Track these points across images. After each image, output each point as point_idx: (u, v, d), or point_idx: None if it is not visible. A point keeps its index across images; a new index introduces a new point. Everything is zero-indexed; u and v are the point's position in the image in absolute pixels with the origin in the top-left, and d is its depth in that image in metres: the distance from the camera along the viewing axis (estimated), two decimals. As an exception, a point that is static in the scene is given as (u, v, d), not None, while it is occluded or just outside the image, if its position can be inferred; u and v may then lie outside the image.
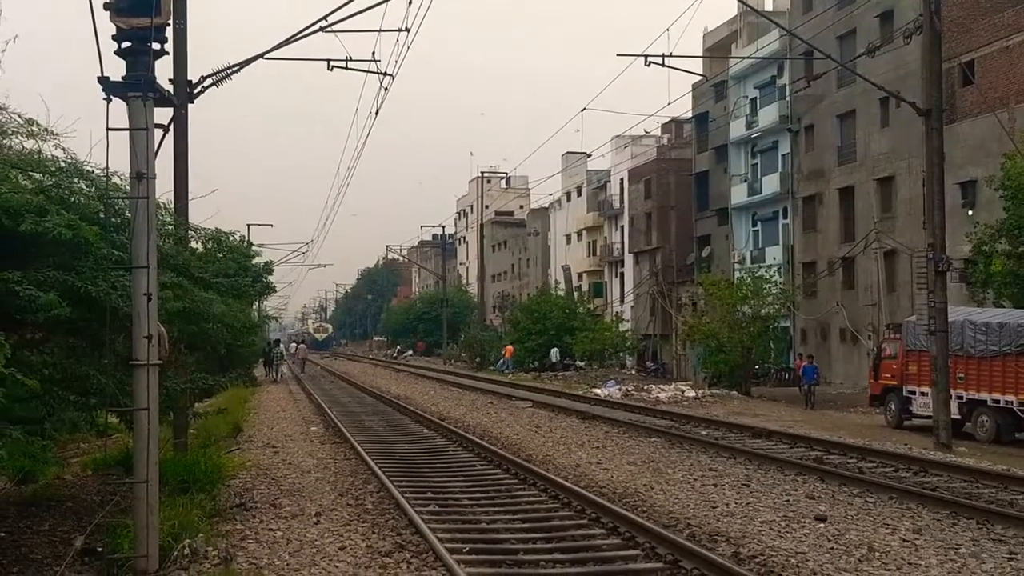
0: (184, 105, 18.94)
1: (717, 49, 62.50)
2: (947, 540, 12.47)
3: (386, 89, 25.84)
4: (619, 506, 14.35)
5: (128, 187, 10.06)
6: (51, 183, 11.59)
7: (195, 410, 22.08)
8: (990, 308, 30.52)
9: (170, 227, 15.12)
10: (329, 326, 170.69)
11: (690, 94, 62.99)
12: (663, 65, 28.23)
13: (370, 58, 22.91)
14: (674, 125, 75.57)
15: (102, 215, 11.56)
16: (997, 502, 15.26)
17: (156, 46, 9.31)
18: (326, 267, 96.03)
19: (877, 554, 11.61)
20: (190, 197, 19.23)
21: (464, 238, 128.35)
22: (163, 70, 16.75)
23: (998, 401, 26.40)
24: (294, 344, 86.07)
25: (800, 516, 13.96)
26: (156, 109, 9.61)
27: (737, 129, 60.61)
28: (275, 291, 40.15)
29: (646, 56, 27.93)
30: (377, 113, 28.54)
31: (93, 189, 11.91)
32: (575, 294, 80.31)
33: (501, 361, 67.00)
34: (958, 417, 26.74)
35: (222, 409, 27.22)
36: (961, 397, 27.16)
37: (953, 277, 30.74)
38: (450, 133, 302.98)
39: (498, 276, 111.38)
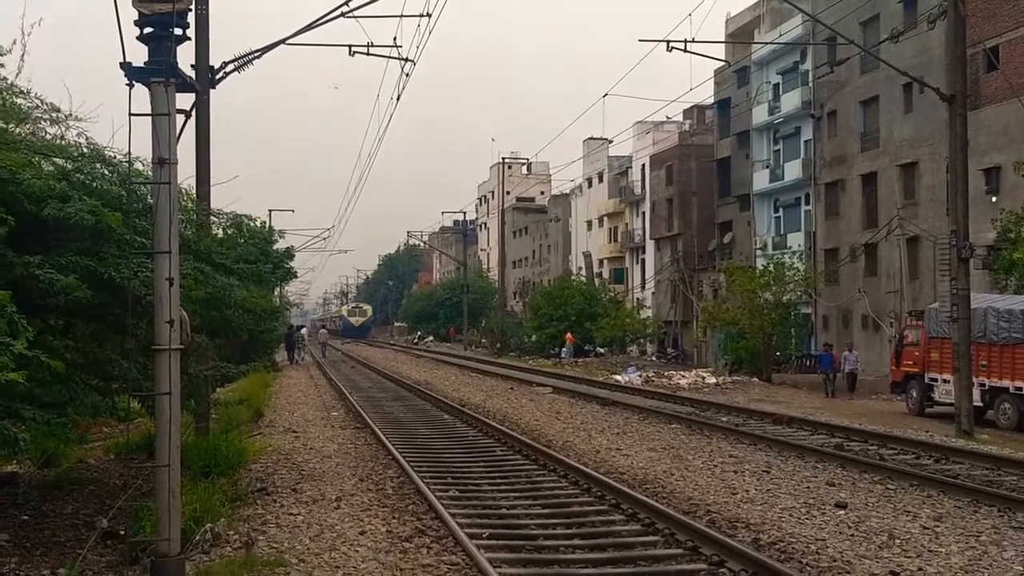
0: (206, 91, 18.97)
1: (739, 34, 62.09)
2: (968, 527, 12.43)
3: (408, 75, 25.88)
4: (639, 492, 14.36)
5: (150, 172, 10.09)
6: (73, 168, 11.65)
7: (216, 396, 22.17)
8: (1013, 295, 30.32)
9: (192, 214, 15.18)
10: (368, 307, 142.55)
11: (712, 80, 62.67)
12: (685, 51, 28.15)
13: (391, 44, 22.93)
14: (696, 111, 75.19)
15: (124, 201, 11.61)
16: (1019, 490, 15.18)
17: (178, 32, 9.30)
18: (347, 253, 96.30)
19: (897, 541, 11.59)
20: (212, 183, 19.31)
21: (485, 224, 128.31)
22: (185, 56, 16.81)
23: (1020, 389, 26.25)
24: (320, 330, 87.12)
25: (820, 503, 13.94)
26: (178, 95, 9.61)
27: (759, 115, 60.29)
28: (296, 276, 40.27)
29: (668, 41, 27.87)
30: (399, 99, 28.58)
31: (115, 175, 11.97)
32: (596, 280, 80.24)
33: (565, 348, 66.35)
34: (980, 404, 26.62)
35: (243, 400, 27.38)
36: (983, 384, 27.03)
37: (976, 264, 30.57)
38: (472, 118, 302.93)
39: (519, 262, 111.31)
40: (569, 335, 66.80)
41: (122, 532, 11.57)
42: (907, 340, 32.04)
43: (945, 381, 28.35)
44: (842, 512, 13.30)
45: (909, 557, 10.91)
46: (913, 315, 35.12)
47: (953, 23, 24.76)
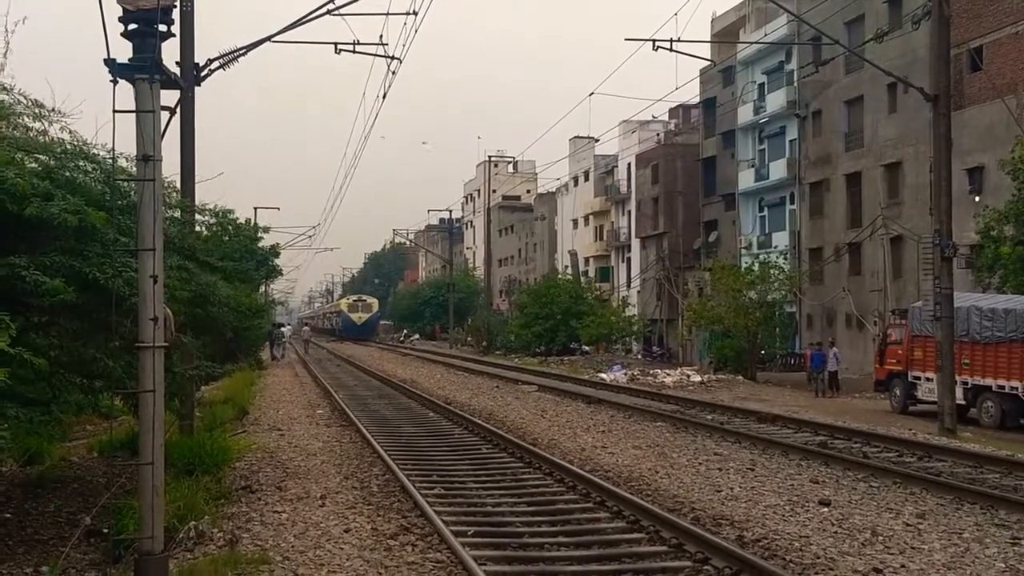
0: (191, 88, 18.92)
1: (725, 34, 62.20)
2: (951, 525, 12.49)
3: (394, 73, 25.84)
4: (624, 490, 14.38)
5: (134, 170, 10.05)
6: (57, 165, 11.58)
7: (201, 395, 22.12)
8: (996, 294, 30.45)
9: (176, 213, 15.11)
10: (373, 301, 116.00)
11: (698, 79, 62.80)
12: (671, 50, 28.24)
13: (377, 42, 22.93)
14: (682, 110, 75.35)
15: (108, 198, 11.56)
16: (1001, 487, 15.25)
17: (163, 28, 9.26)
18: (333, 251, 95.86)
19: (881, 538, 11.64)
20: (197, 180, 19.25)
21: (471, 222, 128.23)
22: (171, 53, 16.77)
23: (1003, 387, 26.40)
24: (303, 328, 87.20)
25: (804, 500, 13.98)
26: (163, 92, 9.57)
27: (745, 114, 60.41)
28: (281, 274, 40.22)
29: (654, 41, 27.94)
30: (384, 97, 28.52)
31: (99, 172, 11.91)
32: (582, 279, 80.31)
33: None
34: (963, 403, 26.74)
35: (228, 398, 27.32)
36: (966, 383, 27.17)
37: (959, 263, 30.68)
38: (458, 115, 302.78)
39: (505, 261, 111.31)
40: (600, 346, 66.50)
41: (105, 530, 11.53)
42: (891, 339, 32.18)
43: (928, 379, 28.50)
44: (826, 509, 13.34)
45: (892, 554, 10.96)
46: (897, 314, 35.26)
47: (937, 23, 24.85)
